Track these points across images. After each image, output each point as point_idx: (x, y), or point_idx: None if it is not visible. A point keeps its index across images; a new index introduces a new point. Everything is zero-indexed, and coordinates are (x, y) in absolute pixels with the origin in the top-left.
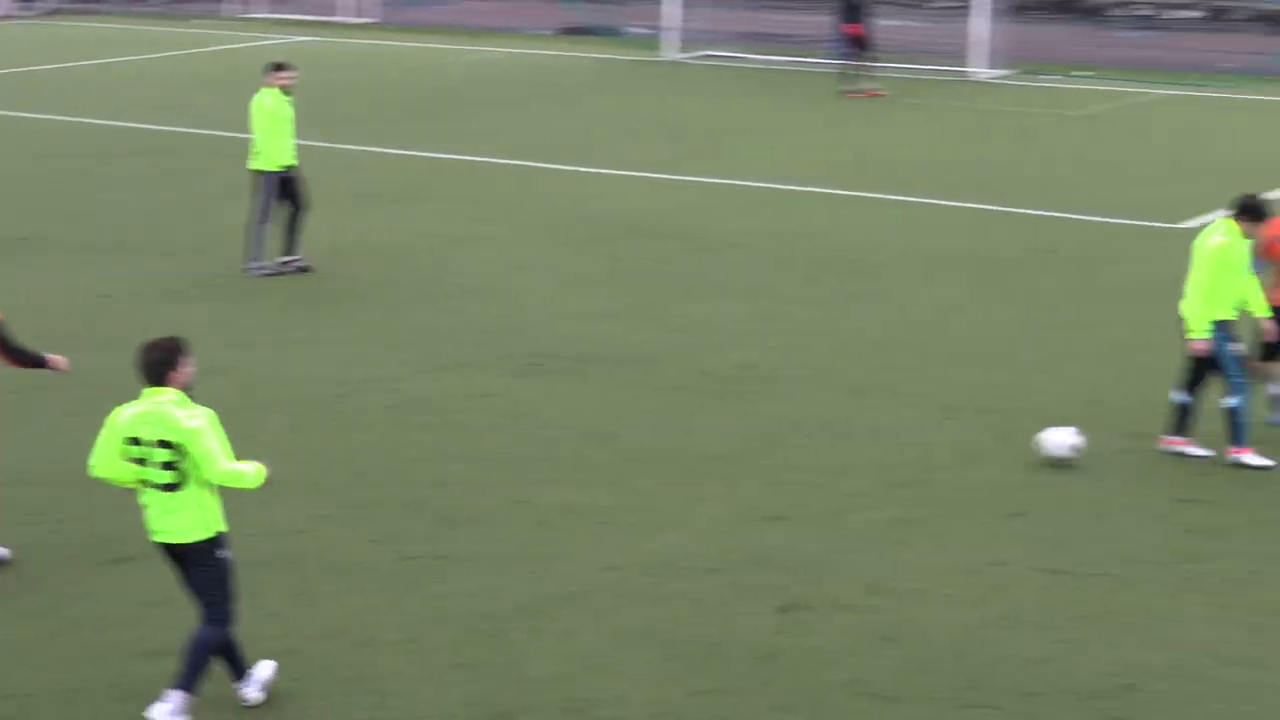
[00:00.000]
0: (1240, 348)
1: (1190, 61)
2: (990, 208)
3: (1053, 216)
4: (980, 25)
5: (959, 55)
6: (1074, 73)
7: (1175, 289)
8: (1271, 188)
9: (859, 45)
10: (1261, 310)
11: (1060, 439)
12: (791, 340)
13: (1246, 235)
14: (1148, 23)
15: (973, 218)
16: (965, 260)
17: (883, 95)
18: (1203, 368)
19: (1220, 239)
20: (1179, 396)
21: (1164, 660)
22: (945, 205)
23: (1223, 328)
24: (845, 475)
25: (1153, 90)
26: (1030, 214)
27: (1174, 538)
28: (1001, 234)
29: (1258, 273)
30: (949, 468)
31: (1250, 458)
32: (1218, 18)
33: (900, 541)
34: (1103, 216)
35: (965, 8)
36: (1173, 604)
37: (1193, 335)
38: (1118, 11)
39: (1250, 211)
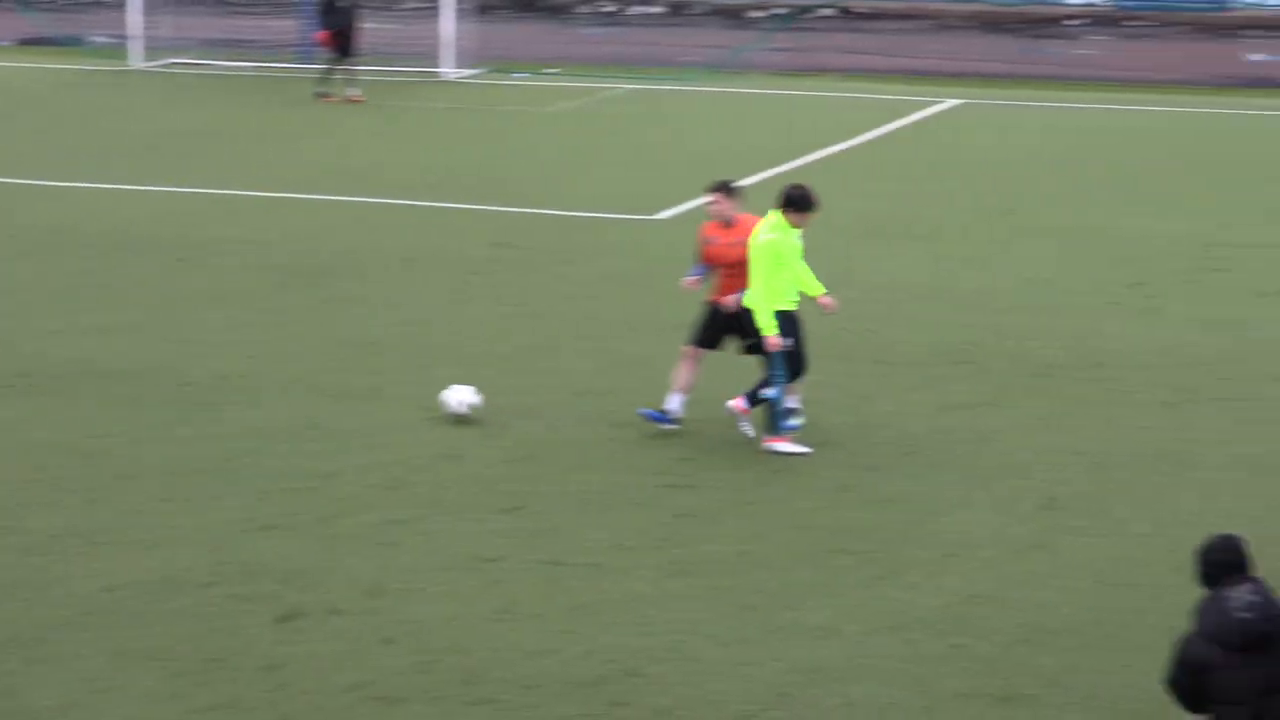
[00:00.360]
0: (789, 341)
1: (654, 57)
2: (465, 207)
3: (528, 213)
4: (449, 25)
5: (430, 56)
6: (544, 70)
7: (651, 279)
8: (738, 176)
9: (339, 50)
10: (816, 290)
11: (459, 396)
12: (273, 347)
13: (794, 226)
14: (611, 19)
15: (448, 217)
16: (442, 260)
17: (361, 102)
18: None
19: (769, 234)
20: (770, 393)
21: (661, 644)
22: (421, 206)
23: (777, 319)
24: (333, 480)
25: (620, 86)
26: (506, 211)
27: (663, 523)
28: (478, 232)
29: (700, 274)
30: (437, 467)
31: (786, 446)
32: (678, 13)
33: (394, 543)
34: (577, 211)
35: (434, 8)
36: (666, 588)
37: (765, 332)
38: (583, 9)
39: (794, 203)
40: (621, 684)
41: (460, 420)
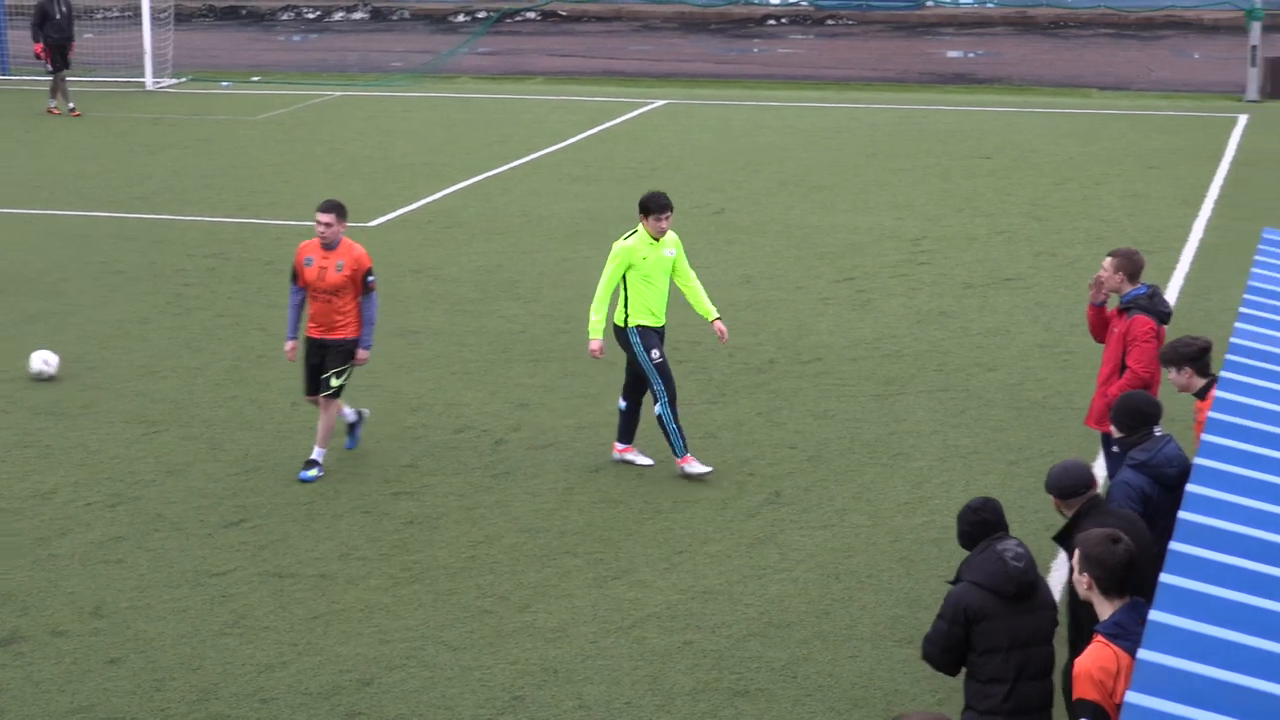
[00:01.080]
0: (657, 355)
1: (360, 62)
2: (178, 218)
3: (242, 222)
4: (151, 34)
5: (131, 65)
6: (251, 78)
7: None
8: (450, 181)
9: (54, 63)
10: (705, 312)
11: (40, 359)
12: None
13: (654, 236)
14: (316, 25)
15: (157, 229)
16: (154, 273)
17: (57, 114)
18: (634, 373)
19: (623, 241)
20: (620, 403)
21: (395, 651)
22: (128, 218)
23: (642, 333)
24: (51, 499)
25: (327, 92)
26: (219, 221)
27: (391, 531)
28: (191, 243)
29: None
30: (158, 482)
31: (693, 467)
32: (382, 18)
33: (117, 561)
34: (290, 219)
35: (131, 17)
36: (398, 595)
37: (591, 336)
38: (285, 15)
39: (641, 206)
40: (357, 693)
41: (41, 379)
